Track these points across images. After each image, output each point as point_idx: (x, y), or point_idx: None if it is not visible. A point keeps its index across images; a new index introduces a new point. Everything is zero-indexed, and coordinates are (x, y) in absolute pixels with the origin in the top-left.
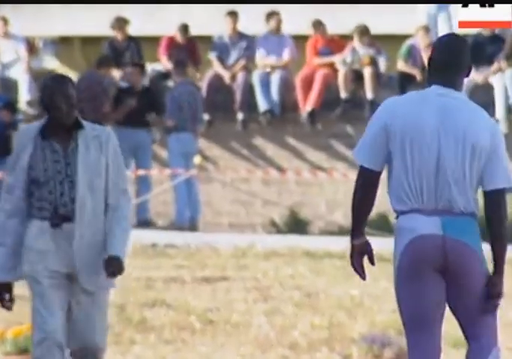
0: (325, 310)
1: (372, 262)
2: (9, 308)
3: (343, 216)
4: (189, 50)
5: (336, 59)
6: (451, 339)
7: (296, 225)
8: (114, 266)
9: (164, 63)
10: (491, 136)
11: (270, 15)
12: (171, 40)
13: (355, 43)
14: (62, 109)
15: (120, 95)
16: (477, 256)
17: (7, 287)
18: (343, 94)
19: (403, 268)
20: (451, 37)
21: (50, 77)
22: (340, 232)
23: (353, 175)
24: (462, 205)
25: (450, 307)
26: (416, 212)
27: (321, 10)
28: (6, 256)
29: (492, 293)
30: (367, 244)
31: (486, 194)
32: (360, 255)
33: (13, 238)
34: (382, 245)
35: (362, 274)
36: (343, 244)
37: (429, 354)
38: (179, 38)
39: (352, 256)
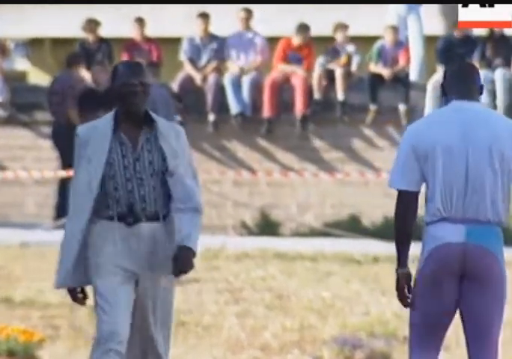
0: (297, 311)
1: (410, 291)
2: (82, 303)
3: (315, 218)
4: (148, 51)
5: (299, 70)
6: None
7: (267, 227)
8: (186, 260)
9: None
10: None
11: (241, 11)
12: (131, 42)
13: (338, 40)
14: (134, 102)
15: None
16: (496, 260)
17: (81, 291)
18: (316, 95)
19: (424, 274)
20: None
21: (123, 64)
22: (312, 233)
23: (324, 176)
24: (490, 214)
25: (461, 314)
26: (444, 220)
27: (291, 12)
28: (73, 262)
29: None
30: (410, 275)
31: None
32: (405, 286)
33: (81, 241)
34: (353, 247)
35: (409, 305)
36: (315, 245)
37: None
38: (137, 37)
39: (397, 288)
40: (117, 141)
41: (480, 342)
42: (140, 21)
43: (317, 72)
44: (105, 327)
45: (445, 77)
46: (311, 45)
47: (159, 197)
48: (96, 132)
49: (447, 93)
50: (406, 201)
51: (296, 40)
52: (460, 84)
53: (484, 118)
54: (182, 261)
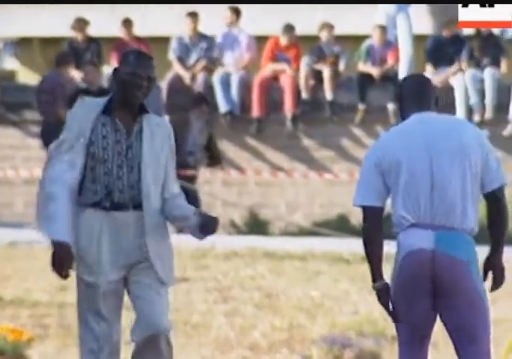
0: (286, 311)
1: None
2: (66, 276)
3: (304, 217)
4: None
5: (289, 69)
6: None
7: (257, 226)
8: (212, 222)
9: (112, 65)
10: (480, 146)
11: (227, 10)
12: (121, 41)
13: (323, 39)
14: (136, 94)
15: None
16: (467, 270)
17: (71, 250)
18: (304, 95)
19: (398, 282)
20: (413, 74)
21: (134, 53)
22: (301, 233)
23: (314, 175)
24: (458, 222)
25: (442, 321)
26: (414, 226)
27: (278, 11)
28: (65, 219)
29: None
30: (388, 287)
31: (487, 196)
32: (389, 299)
33: (68, 212)
34: (342, 246)
35: (398, 317)
36: (304, 245)
37: None
38: (125, 37)
39: (383, 303)
40: (112, 127)
41: (470, 352)
42: (127, 22)
43: (303, 71)
44: (95, 334)
45: (400, 93)
46: (298, 46)
47: None
48: (87, 111)
49: (405, 108)
50: (373, 217)
51: (283, 41)
52: (418, 96)
53: (451, 127)
54: (208, 225)
